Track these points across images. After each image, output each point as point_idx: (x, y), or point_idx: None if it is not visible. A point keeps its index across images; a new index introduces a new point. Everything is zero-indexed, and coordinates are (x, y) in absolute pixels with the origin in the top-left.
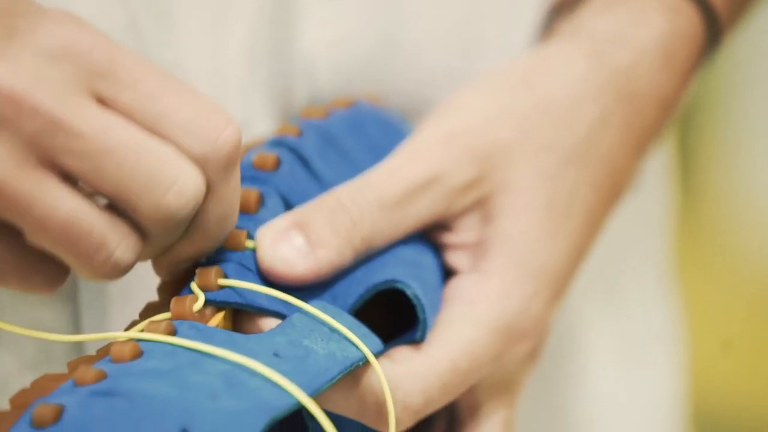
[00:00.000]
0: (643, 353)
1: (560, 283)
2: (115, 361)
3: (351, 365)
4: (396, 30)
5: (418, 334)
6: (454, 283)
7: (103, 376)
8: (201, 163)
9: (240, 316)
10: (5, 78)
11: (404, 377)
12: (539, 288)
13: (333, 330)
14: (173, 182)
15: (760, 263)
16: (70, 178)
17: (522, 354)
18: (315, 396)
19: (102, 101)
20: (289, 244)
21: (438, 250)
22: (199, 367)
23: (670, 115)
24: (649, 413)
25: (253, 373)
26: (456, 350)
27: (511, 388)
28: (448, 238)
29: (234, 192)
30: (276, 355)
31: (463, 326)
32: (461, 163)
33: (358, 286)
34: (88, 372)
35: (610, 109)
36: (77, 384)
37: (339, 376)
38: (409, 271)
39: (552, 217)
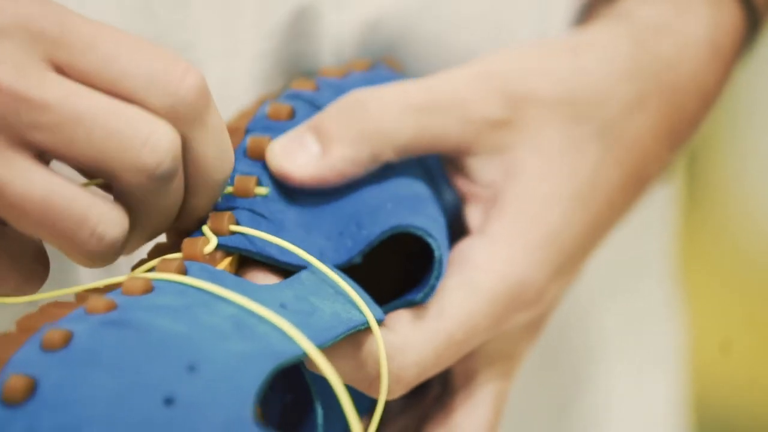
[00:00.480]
0: (649, 349)
1: (571, 257)
2: (126, 293)
3: (353, 327)
4: (422, 12)
5: (420, 296)
6: (461, 246)
7: (113, 307)
8: (170, 115)
9: (243, 265)
10: None
11: (400, 349)
12: (547, 257)
13: (338, 292)
14: (146, 139)
15: (763, 264)
16: (42, 158)
17: (523, 323)
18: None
19: (60, 69)
20: (302, 146)
21: (458, 202)
22: (209, 308)
23: (710, 108)
24: (655, 409)
25: (262, 320)
26: (454, 321)
27: (509, 359)
28: (468, 186)
29: (217, 134)
30: (283, 306)
31: (464, 295)
32: (493, 97)
33: (380, 219)
34: (99, 301)
35: (647, 95)
36: (88, 312)
37: (342, 336)
38: (434, 224)
39: (572, 189)
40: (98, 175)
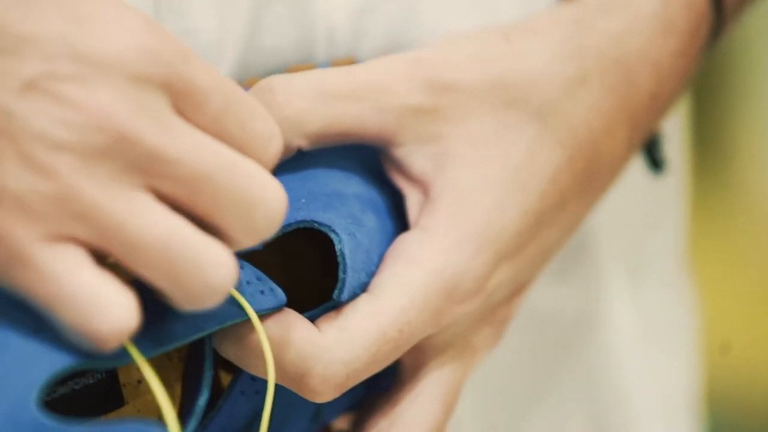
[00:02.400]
0: (662, 334)
1: (513, 243)
2: None
3: (219, 325)
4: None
5: (335, 293)
6: (397, 241)
7: None
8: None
9: None
10: (105, 107)
11: (325, 349)
12: (483, 246)
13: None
14: (263, 202)
15: None
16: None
17: (474, 314)
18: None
19: (184, 115)
20: None
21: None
22: None
23: (672, 86)
24: (669, 391)
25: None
26: (386, 319)
27: (462, 350)
28: (402, 179)
29: None
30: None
31: (397, 291)
32: (417, 85)
33: (290, 212)
34: None
35: (589, 72)
36: None
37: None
38: (346, 221)
39: (505, 174)
40: (205, 228)
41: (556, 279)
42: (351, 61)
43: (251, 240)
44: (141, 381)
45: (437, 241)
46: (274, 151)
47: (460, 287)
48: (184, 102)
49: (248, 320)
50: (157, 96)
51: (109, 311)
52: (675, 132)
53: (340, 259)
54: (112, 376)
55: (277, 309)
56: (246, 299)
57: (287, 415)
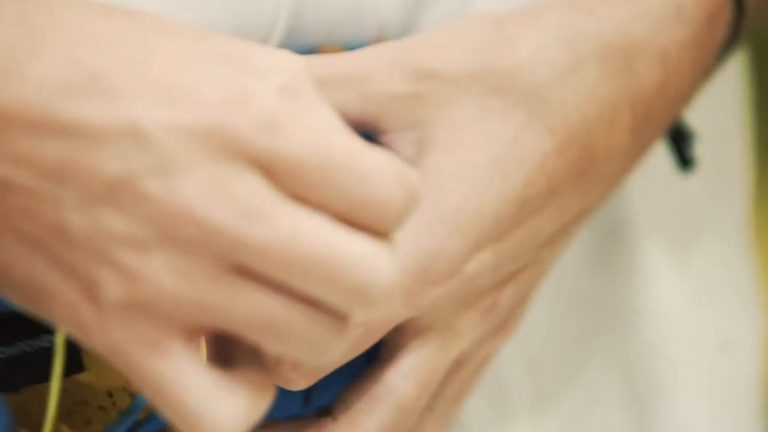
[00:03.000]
0: (721, 325)
1: (494, 227)
2: None
3: None
4: None
5: None
6: None
7: None
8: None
9: None
10: (187, 199)
11: None
12: (458, 229)
13: None
14: (364, 285)
15: None
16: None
17: (446, 298)
18: None
19: (285, 192)
20: None
21: None
22: None
23: (683, 76)
24: (720, 379)
25: None
26: None
27: (443, 333)
28: None
29: None
30: None
31: None
32: (400, 72)
33: None
34: None
35: (584, 59)
36: None
37: None
38: None
39: (486, 159)
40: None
41: (592, 261)
42: (339, 49)
43: (355, 308)
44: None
45: (408, 225)
46: (392, 216)
47: (432, 269)
48: (277, 175)
49: None
50: (244, 176)
51: (214, 421)
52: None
53: None
54: (71, 340)
55: None
56: None
57: (275, 399)
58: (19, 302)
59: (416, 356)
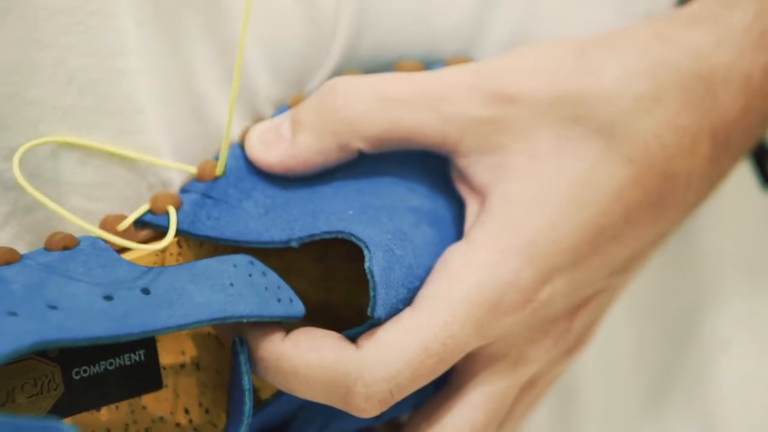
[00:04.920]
0: None
1: (566, 257)
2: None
3: (217, 318)
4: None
5: (369, 310)
6: (446, 253)
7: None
8: None
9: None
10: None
11: (366, 366)
12: (532, 260)
13: (266, 285)
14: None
15: None
16: None
17: (520, 326)
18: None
19: None
20: (278, 133)
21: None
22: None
23: (766, 100)
24: None
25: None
26: (428, 333)
27: (515, 362)
28: (464, 189)
29: None
30: (145, 290)
31: (439, 305)
32: (481, 95)
33: (334, 220)
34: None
35: (665, 89)
36: None
37: (182, 327)
38: (387, 237)
39: (562, 189)
40: None
41: (660, 272)
42: (417, 66)
43: None
44: (184, 366)
45: (482, 254)
46: None
47: (506, 300)
48: None
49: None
50: None
51: None
52: None
53: (369, 276)
54: (151, 358)
55: (291, 318)
56: (260, 302)
57: (341, 411)
58: None
59: (487, 386)
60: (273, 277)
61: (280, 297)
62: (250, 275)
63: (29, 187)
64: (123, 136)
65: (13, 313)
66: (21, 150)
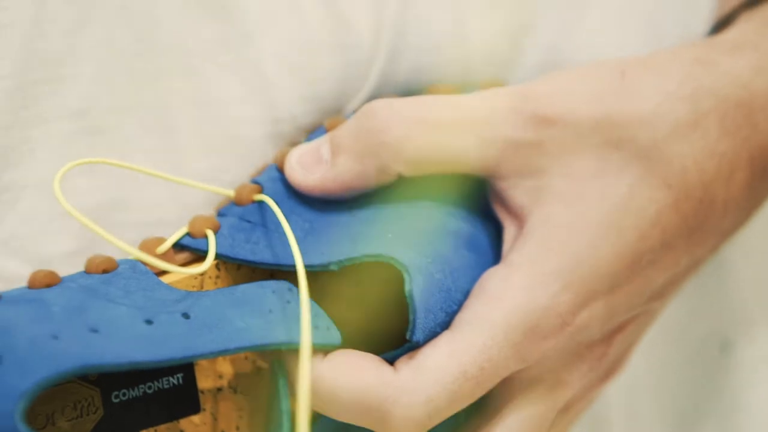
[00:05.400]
0: None
1: (604, 282)
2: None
3: (256, 345)
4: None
5: (408, 334)
6: (483, 277)
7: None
8: None
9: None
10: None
11: (403, 390)
12: (571, 284)
13: (271, 310)
14: None
15: None
16: None
17: (557, 350)
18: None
19: None
20: (317, 156)
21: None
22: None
23: None
24: None
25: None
26: (467, 357)
27: (552, 387)
28: (503, 211)
29: None
30: (185, 315)
31: (478, 329)
32: (521, 118)
33: (373, 243)
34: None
35: (705, 115)
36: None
37: (219, 353)
38: (427, 260)
39: (602, 214)
40: None
41: (692, 299)
42: (452, 89)
43: None
44: (221, 389)
45: (520, 278)
46: None
47: (544, 324)
48: None
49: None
50: None
51: None
52: None
53: (409, 300)
54: (189, 381)
55: (327, 346)
56: (298, 330)
57: None
58: None
59: (524, 410)
60: (312, 305)
61: (317, 324)
62: (288, 302)
63: (72, 209)
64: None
65: (55, 337)
66: (61, 171)
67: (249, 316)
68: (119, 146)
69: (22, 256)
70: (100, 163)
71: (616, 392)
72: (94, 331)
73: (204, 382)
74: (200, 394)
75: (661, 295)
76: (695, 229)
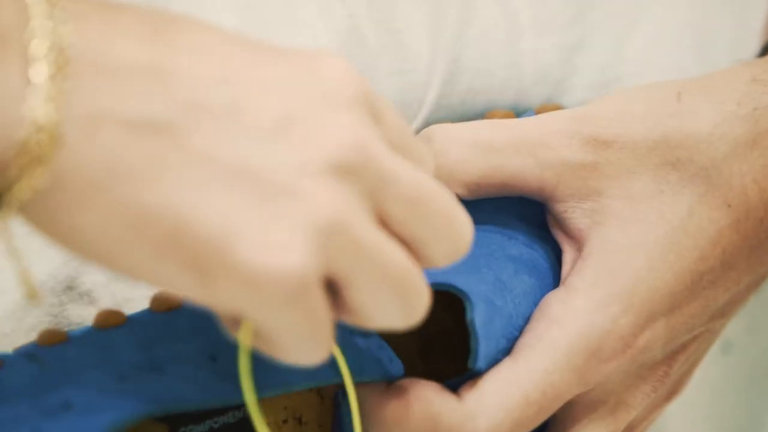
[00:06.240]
0: None
1: (664, 303)
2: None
3: (322, 381)
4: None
5: (469, 362)
6: (543, 300)
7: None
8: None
9: None
10: (354, 132)
11: (467, 417)
12: (631, 306)
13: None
14: (464, 226)
15: None
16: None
17: (619, 372)
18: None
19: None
20: None
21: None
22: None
23: None
24: None
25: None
26: (528, 382)
27: (614, 408)
28: (561, 234)
29: None
30: (212, 358)
31: (539, 354)
32: (578, 141)
33: (430, 272)
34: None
35: (764, 133)
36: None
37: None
38: (488, 287)
39: (661, 235)
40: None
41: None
42: (508, 114)
43: (449, 260)
44: (286, 421)
45: (581, 301)
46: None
47: (605, 347)
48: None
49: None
50: (376, 129)
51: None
52: None
53: (470, 328)
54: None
55: (391, 379)
56: (361, 364)
57: None
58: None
59: None
60: (374, 337)
61: (380, 357)
62: (351, 334)
63: None
64: None
65: (123, 378)
66: None
67: None
68: None
69: (101, 304)
70: None
71: (672, 408)
72: (160, 370)
73: (269, 414)
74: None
75: (722, 314)
76: (756, 248)
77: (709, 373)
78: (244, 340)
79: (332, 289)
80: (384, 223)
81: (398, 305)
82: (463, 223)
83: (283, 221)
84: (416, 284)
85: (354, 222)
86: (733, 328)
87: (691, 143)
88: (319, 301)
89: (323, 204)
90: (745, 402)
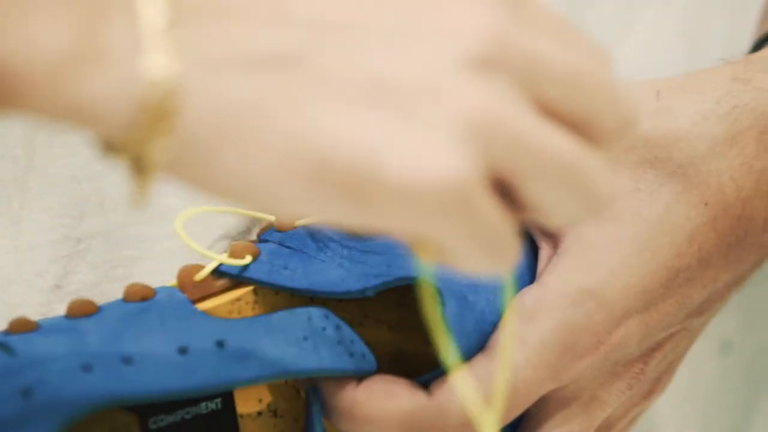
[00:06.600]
0: None
1: (639, 300)
2: None
3: (291, 372)
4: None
5: (441, 357)
6: (518, 297)
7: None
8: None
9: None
10: (488, 18)
11: (439, 413)
12: (605, 301)
13: (337, 340)
14: (626, 97)
15: None
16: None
17: (593, 369)
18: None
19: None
20: None
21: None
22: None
23: None
24: None
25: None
26: (500, 378)
27: (587, 404)
28: (539, 233)
29: None
30: (219, 343)
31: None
32: None
33: (410, 268)
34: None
35: (742, 132)
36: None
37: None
38: (461, 284)
39: (636, 232)
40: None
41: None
42: None
43: (620, 133)
44: (261, 413)
45: (555, 297)
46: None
47: (579, 343)
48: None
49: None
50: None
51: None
52: None
53: (442, 323)
54: (228, 406)
55: (362, 373)
56: (332, 357)
57: None
58: None
59: (561, 429)
60: (347, 330)
61: (352, 351)
62: (324, 329)
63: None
64: None
65: (88, 367)
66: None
67: (283, 344)
68: None
69: None
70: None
71: (664, 406)
72: (128, 360)
73: (243, 406)
74: (239, 419)
75: (700, 312)
76: (734, 246)
77: (708, 373)
78: (424, 258)
79: (507, 189)
80: (546, 109)
81: (577, 194)
82: (625, 93)
83: (432, 126)
84: (592, 169)
85: (510, 115)
86: (733, 328)
87: (670, 141)
88: (488, 203)
89: (471, 100)
90: (744, 402)
